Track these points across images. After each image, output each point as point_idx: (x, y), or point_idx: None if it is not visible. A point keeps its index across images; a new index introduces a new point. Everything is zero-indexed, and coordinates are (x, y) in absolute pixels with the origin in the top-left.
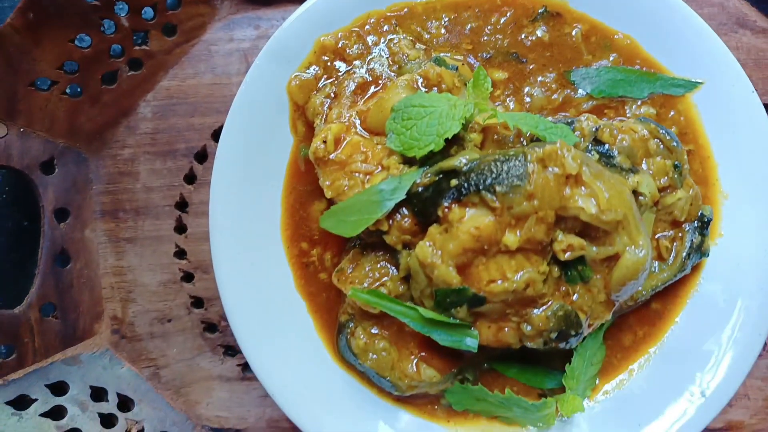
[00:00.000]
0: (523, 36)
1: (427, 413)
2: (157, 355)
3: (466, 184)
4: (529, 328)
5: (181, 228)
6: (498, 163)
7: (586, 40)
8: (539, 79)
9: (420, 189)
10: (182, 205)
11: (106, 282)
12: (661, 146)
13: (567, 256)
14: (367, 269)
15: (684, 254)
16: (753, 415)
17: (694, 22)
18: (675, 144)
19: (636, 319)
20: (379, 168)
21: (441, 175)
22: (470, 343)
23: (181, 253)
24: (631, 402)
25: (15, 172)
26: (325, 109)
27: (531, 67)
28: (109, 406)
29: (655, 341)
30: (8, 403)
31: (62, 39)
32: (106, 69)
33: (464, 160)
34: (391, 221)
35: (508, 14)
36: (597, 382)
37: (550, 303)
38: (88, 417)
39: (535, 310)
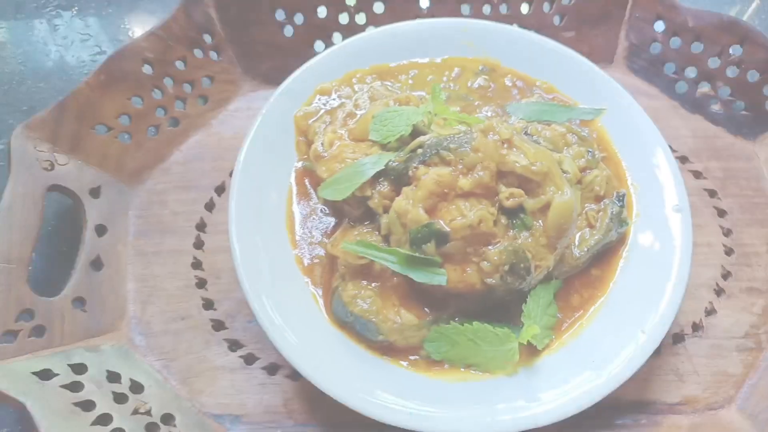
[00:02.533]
0: (469, 83)
1: (411, 365)
2: (169, 349)
3: (428, 150)
4: (487, 264)
5: (198, 244)
6: (451, 135)
7: (514, 85)
8: (482, 111)
9: (395, 164)
10: (201, 226)
11: (131, 287)
12: (575, 138)
13: (510, 202)
14: (355, 234)
15: (608, 220)
16: (705, 389)
17: (595, 70)
18: (585, 135)
19: (580, 284)
20: (364, 156)
21: (411, 153)
22: (440, 279)
23: (197, 264)
24: (584, 347)
25: (70, 192)
26: (322, 130)
27: (476, 103)
28: (122, 387)
29: (598, 299)
30: (34, 373)
31: (122, 97)
32: (151, 123)
33: (426, 137)
34: (374, 189)
35: (456, 69)
36: (553, 337)
37: (501, 242)
38: (102, 393)
39: (490, 247)
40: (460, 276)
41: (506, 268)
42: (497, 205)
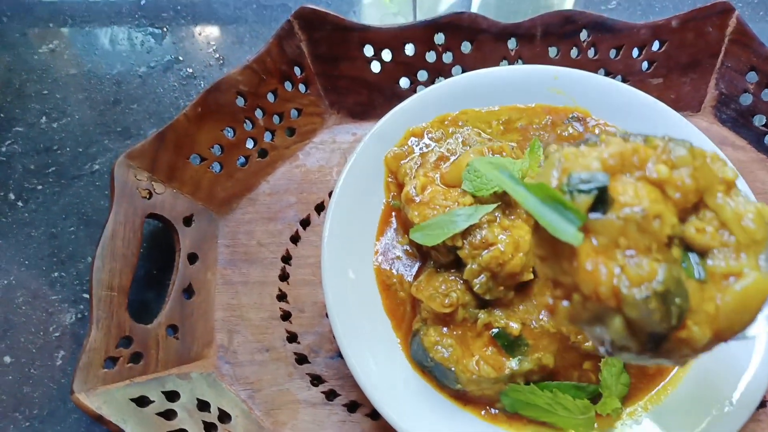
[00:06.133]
0: (559, 131)
1: (492, 418)
2: (254, 380)
3: (630, 133)
4: (635, 268)
5: (284, 276)
6: None
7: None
8: None
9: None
10: (287, 258)
11: (219, 316)
12: None
13: (696, 235)
14: (440, 281)
15: None
16: None
17: (685, 124)
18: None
19: None
20: (456, 204)
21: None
22: (572, 238)
23: (282, 297)
24: (667, 414)
25: (165, 220)
26: (413, 172)
27: None
28: (211, 416)
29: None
30: (132, 399)
31: (216, 129)
32: (242, 154)
33: None
34: (465, 240)
35: (547, 117)
36: (621, 407)
37: (662, 263)
38: (193, 422)
39: (645, 260)
40: (593, 262)
41: (659, 289)
42: (679, 229)
